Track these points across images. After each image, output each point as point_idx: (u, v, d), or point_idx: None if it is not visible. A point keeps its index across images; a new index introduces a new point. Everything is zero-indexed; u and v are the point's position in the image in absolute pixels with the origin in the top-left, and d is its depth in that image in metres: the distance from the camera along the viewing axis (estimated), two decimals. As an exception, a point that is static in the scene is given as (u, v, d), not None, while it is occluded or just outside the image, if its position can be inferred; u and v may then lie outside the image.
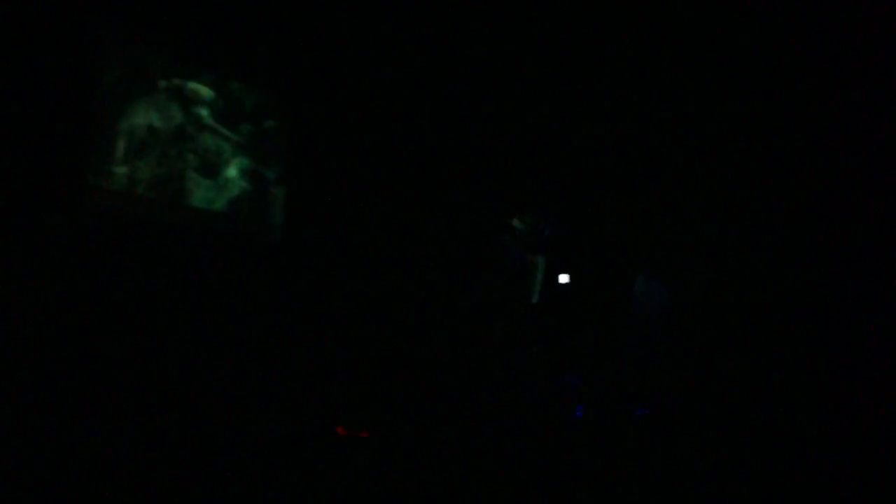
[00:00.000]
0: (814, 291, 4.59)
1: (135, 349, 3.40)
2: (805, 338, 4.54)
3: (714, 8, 4.04)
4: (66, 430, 2.92)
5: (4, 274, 3.04)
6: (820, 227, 4.57)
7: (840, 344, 4.41)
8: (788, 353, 4.59)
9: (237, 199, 3.98)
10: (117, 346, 3.34)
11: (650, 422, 4.73)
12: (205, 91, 3.83)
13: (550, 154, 5.47)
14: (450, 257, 4.92)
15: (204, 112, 3.82)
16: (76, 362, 3.16)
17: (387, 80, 4.58)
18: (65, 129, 3.27)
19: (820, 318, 4.51)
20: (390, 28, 4.40)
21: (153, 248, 3.54)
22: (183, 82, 3.73)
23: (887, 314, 4.15)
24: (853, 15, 3.78)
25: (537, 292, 5.17)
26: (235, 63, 3.99)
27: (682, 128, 5.19)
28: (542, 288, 5.19)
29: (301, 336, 4.13)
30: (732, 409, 4.66)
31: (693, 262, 5.29)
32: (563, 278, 5.22)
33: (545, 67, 4.85)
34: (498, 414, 4.43)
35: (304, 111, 4.32)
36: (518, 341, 4.89)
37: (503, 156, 5.24)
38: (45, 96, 3.16)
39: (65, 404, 3.05)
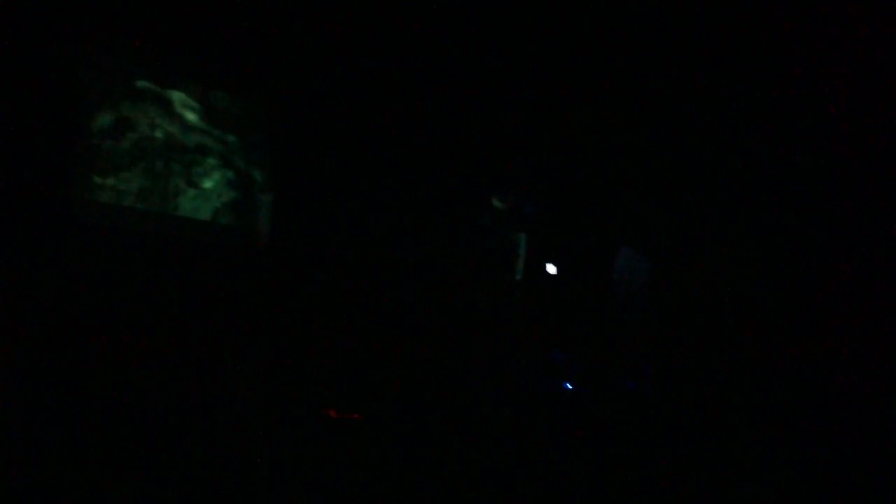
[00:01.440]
0: (792, 266, 4.71)
1: (125, 354, 3.50)
2: (787, 309, 4.67)
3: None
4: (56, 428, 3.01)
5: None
6: (797, 208, 4.65)
7: (816, 316, 4.55)
8: (772, 324, 4.73)
9: (223, 208, 4.04)
10: (108, 353, 3.44)
11: (640, 395, 4.90)
12: (191, 101, 3.84)
13: (531, 132, 5.49)
14: (432, 239, 5.01)
15: (190, 122, 3.84)
16: (64, 378, 3.24)
17: (367, 78, 4.57)
18: (51, 142, 3.30)
19: (801, 289, 4.64)
20: (372, 34, 4.37)
21: (141, 258, 3.64)
22: (169, 92, 3.74)
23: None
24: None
25: (521, 270, 5.30)
26: (221, 72, 3.99)
27: (662, 105, 5.20)
28: (526, 266, 5.31)
29: (290, 330, 4.25)
30: (720, 381, 4.82)
31: (675, 233, 5.40)
32: (551, 268, 5.34)
33: (525, 50, 4.83)
34: (487, 392, 4.61)
35: (289, 119, 4.35)
36: (503, 319, 5.05)
37: (483, 136, 5.27)
38: (30, 110, 3.19)
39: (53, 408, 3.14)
